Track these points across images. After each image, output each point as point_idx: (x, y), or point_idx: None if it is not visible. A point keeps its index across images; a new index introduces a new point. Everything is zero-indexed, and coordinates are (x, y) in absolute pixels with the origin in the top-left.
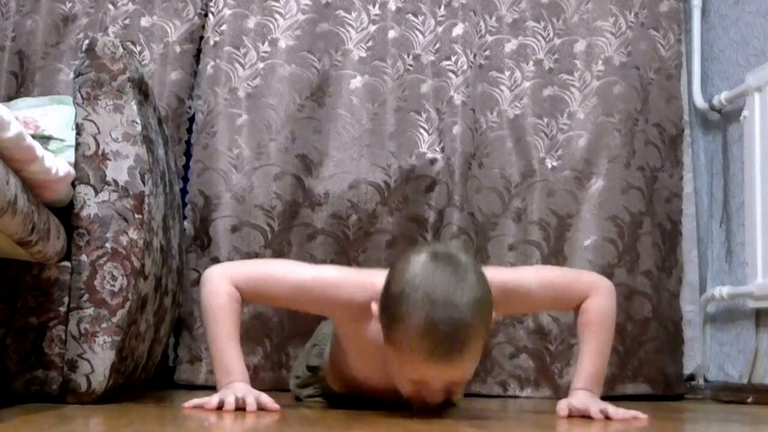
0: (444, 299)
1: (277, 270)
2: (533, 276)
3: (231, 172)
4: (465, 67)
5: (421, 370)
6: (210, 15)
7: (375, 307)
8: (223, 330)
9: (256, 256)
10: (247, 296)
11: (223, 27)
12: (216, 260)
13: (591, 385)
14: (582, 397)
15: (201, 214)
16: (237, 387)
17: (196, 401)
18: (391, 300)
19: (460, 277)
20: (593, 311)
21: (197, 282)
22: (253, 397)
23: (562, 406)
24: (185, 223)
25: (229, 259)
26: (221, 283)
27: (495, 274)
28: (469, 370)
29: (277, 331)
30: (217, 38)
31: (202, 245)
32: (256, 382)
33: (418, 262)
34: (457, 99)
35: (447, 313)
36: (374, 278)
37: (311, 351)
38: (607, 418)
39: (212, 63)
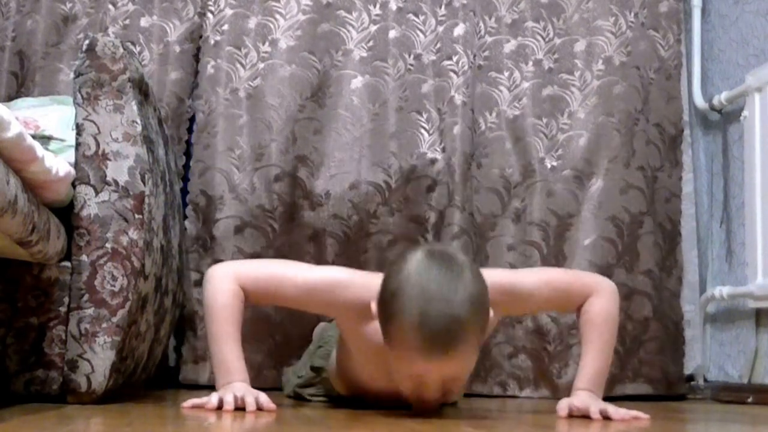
0: (438, 295)
1: (282, 271)
2: (534, 277)
3: (233, 173)
4: (466, 67)
5: (416, 365)
6: (210, 14)
7: (373, 305)
8: (225, 329)
9: (259, 256)
10: (251, 296)
11: (224, 27)
12: (219, 261)
13: (593, 385)
14: (583, 397)
15: (204, 215)
16: (236, 387)
17: (195, 401)
18: (387, 296)
19: (456, 274)
20: (595, 311)
21: (200, 283)
22: (252, 397)
23: (562, 405)
24: (186, 223)
25: (233, 260)
26: (225, 282)
27: (496, 275)
28: (465, 367)
29: (280, 330)
30: (218, 38)
31: (204, 246)
32: (259, 380)
33: (415, 260)
34: (458, 99)
35: (441, 308)
36: (379, 278)
37: (315, 352)
38: (607, 418)
39: (213, 63)
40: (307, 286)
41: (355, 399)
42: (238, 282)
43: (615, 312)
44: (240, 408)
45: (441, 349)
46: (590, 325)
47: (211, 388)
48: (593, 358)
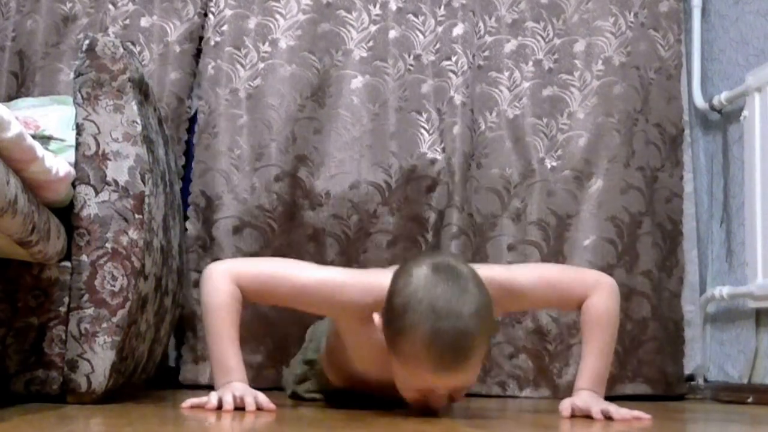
0: (447, 311)
1: (281, 270)
2: (530, 274)
3: (232, 173)
4: (465, 67)
5: (427, 380)
6: (210, 15)
7: (378, 319)
8: (223, 329)
9: (258, 256)
10: (249, 296)
11: (224, 27)
12: (218, 260)
13: (594, 385)
14: (585, 397)
15: (203, 215)
16: (235, 386)
17: (194, 401)
18: (395, 313)
19: (462, 288)
20: (595, 310)
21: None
22: (251, 397)
23: (565, 405)
24: (187, 223)
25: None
26: (222, 281)
27: (494, 273)
28: (472, 378)
29: (279, 330)
30: (218, 38)
31: (204, 246)
32: (258, 380)
33: (420, 275)
34: (457, 99)
35: (451, 324)
36: (380, 279)
37: (308, 347)
38: (609, 418)
39: (213, 63)
40: (304, 288)
41: (352, 396)
42: (235, 281)
43: (616, 309)
44: (239, 408)
45: (451, 365)
46: (591, 323)
47: (211, 388)
48: (594, 358)
